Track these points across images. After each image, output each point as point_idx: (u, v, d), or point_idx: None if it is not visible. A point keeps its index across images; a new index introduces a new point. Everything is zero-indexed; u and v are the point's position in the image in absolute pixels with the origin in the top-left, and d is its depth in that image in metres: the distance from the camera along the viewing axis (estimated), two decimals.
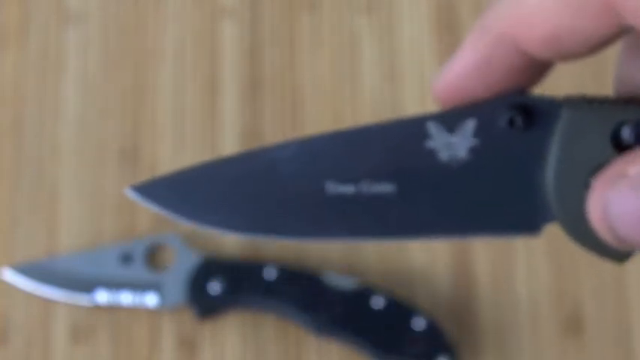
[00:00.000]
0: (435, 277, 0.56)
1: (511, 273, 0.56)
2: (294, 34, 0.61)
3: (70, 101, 0.60)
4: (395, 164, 0.28)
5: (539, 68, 0.27)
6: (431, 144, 0.27)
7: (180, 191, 0.29)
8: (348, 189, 0.28)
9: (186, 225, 0.29)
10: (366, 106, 0.59)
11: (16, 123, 0.59)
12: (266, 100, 0.60)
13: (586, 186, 0.26)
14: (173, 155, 0.59)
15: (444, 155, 0.27)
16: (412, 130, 0.28)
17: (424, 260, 0.56)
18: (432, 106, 0.60)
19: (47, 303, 0.56)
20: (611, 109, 0.26)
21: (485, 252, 0.56)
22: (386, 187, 0.28)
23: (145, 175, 0.58)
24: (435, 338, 0.53)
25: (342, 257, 0.56)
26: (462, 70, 0.27)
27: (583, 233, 0.26)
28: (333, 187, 0.28)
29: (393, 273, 0.56)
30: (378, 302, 0.54)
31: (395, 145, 0.28)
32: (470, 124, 0.27)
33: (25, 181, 0.58)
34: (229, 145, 0.59)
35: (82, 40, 0.61)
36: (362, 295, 0.54)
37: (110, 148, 0.59)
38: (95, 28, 0.61)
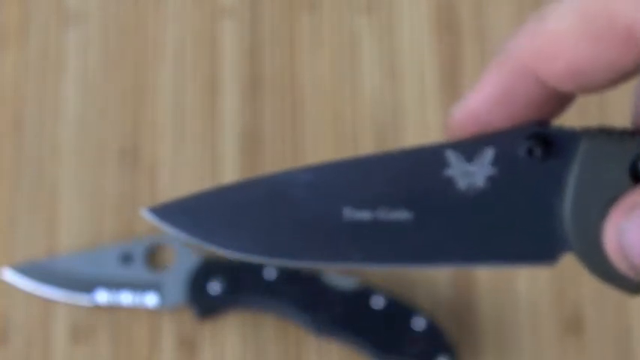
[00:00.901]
0: (435, 277, 0.56)
1: (511, 273, 0.56)
2: (294, 34, 0.61)
3: (70, 101, 0.60)
4: (412, 192, 0.28)
5: (561, 100, 0.27)
6: (449, 172, 0.28)
7: (196, 214, 0.29)
8: (365, 215, 0.28)
9: (204, 248, 0.29)
10: (366, 106, 0.59)
11: (16, 123, 0.59)
12: (266, 100, 0.60)
13: (603, 217, 0.26)
14: (173, 155, 0.59)
15: (462, 184, 0.27)
16: (431, 158, 0.28)
17: None
18: (431, 106, 0.60)
19: (47, 303, 0.56)
20: (629, 141, 0.26)
21: None
22: (403, 214, 0.28)
23: (144, 175, 0.58)
24: (435, 338, 0.53)
25: None
26: (482, 102, 0.27)
27: (599, 264, 0.26)
28: (350, 213, 0.28)
29: (393, 273, 0.56)
30: (378, 302, 0.54)
31: (413, 173, 0.28)
32: (489, 153, 0.27)
33: (25, 181, 0.58)
34: (229, 145, 0.59)
35: (82, 40, 0.61)
36: (362, 295, 0.54)
37: (110, 148, 0.59)
38: (95, 28, 0.61)
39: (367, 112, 0.59)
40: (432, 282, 0.56)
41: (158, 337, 0.56)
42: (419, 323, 0.53)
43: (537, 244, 0.27)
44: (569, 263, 0.59)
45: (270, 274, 0.55)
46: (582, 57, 0.25)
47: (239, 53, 0.61)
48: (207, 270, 0.56)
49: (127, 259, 0.56)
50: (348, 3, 0.61)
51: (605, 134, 0.26)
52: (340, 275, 0.55)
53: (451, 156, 0.28)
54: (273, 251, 0.29)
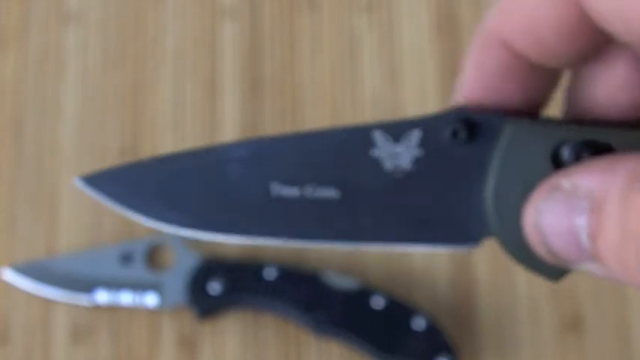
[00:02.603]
0: (435, 277, 0.56)
1: (511, 273, 0.56)
2: (294, 34, 0.61)
3: (70, 101, 0.60)
4: (340, 170, 0.28)
5: (541, 76, 0.27)
6: (376, 152, 0.28)
7: (127, 184, 0.29)
8: (293, 192, 0.28)
9: (131, 219, 0.29)
10: (366, 106, 0.59)
11: (16, 123, 0.59)
12: (266, 99, 0.60)
13: (523, 202, 0.26)
14: None
15: (388, 164, 0.28)
16: (358, 137, 0.28)
17: (424, 260, 0.56)
18: (431, 106, 0.60)
19: (47, 303, 0.56)
20: (552, 128, 0.26)
21: (485, 252, 0.56)
22: (330, 193, 0.28)
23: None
24: (435, 338, 0.53)
25: (342, 257, 0.56)
26: (468, 82, 0.27)
27: (518, 249, 0.27)
28: (278, 189, 0.28)
29: (393, 273, 0.56)
30: (378, 302, 0.54)
31: (341, 152, 0.28)
32: (415, 135, 0.27)
33: (25, 181, 0.58)
34: None
35: (82, 40, 0.61)
36: (362, 295, 0.54)
37: (110, 148, 0.59)
38: (95, 28, 0.61)
39: (367, 111, 0.59)
40: (432, 282, 0.56)
41: (158, 337, 0.56)
42: (419, 323, 0.53)
43: (460, 228, 0.28)
44: None
45: (270, 274, 0.55)
46: (537, 15, 0.25)
47: (239, 53, 0.61)
48: (207, 270, 0.56)
49: (127, 259, 0.56)
50: (348, 3, 0.61)
51: (529, 121, 0.27)
52: (340, 275, 0.55)
53: (378, 136, 0.28)
54: (202, 224, 0.29)
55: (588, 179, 0.24)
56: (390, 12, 0.61)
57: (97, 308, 0.56)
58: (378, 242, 0.28)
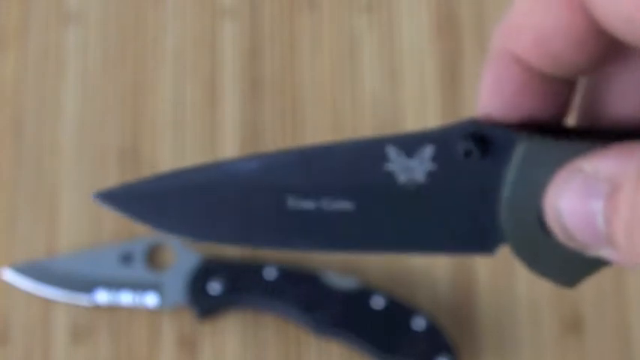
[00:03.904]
0: (435, 277, 0.56)
1: (511, 273, 0.56)
2: (294, 34, 0.61)
3: (70, 101, 0.60)
4: (354, 184, 0.28)
5: (557, 87, 0.27)
6: (389, 167, 0.28)
7: (145, 199, 0.30)
8: (309, 205, 0.29)
9: (153, 231, 0.30)
10: (366, 106, 0.59)
11: (16, 123, 0.59)
12: (266, 99, 0.60)
13: (537, 213, 0.26)
14: (173, 155, 0.59)
15: (402, 178, 0.28)
16: (372, 152, 0.28)
17: (424, 260, 0.56)
18: (431, 106, 0.60)
19: (47, 303, 0.56)
20: (566, 142, 0.26)
21: None
22: (345, 205, 0.28)
23: (144, 175, 0.58)
24: (435, 338, 0.53)
25: (342, 257, 0.56)
26: (485, 102, 0.27)
27: (533, 257, 0.27)
28: (295, 203, 0.29)
29: (393, 273, 0.56)
30: (378, 302, 0.54)
31: (355, 166, 0.28)
32: (428, 150, 0.28)
33: (25, 181, 0.58)
34: (229, 144, 0.59)
35: (82, 40, 0.61)
36: (362, 295, 0.54)
37: (110, 148, 0.59)
38: (95, 28, 0.61)
39: (367, 112, 0.59)
40: (432, 282, 0.56)
41: (158, 337, 0.56)
42: (419, 323, 0.53)
43: (475, 237, 0.28)
44: None
45: (270, 274, 0.55)
46: (546, 25, 0.25)
47: (239, 53, 0.61)
48: (207, 270, 0.56)
49: (127, 259, 0.56)
50: (348, 3, 0.61)
51: (541, 135, 0.27)
52: (340, 275, 0.55)
53: (391, 151, 0.28)
54: (222, 235, 0.29)
55: (608, 163, 0.24)
56: (390, 12, 0.61)
57: (97, 308, 0.56)
58: (395, 250, 0.29)
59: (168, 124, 0.59)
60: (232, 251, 0.57)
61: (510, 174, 0.27)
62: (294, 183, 0.29)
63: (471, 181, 0.27)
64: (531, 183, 0.26)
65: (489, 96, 0.27)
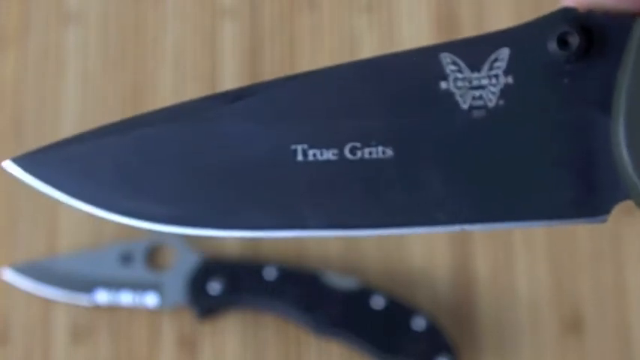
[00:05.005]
0: (435, 277, 0.56)
1: (511, 273, 0.56)
2: (294, 34, 0.61)
3: (70, 101, 0.60)
4: (394, 119, 0.19)
5: None
6: (446, 85, 0.20)
7: (80, 165, 0.21)
8: (328, 155, 0.19)
9: (88, 213, 0.21)
10: None
11: (16, 123, 0.59)
12: None
13: None
14: None
15: (464, 102, 0.19)
16: (421, 65, 0.20)
17: (424, 260, 0.56)
18: None
19: (47, 303, 0.56)
20: None
21: (485, 251, 0.56)
22: (380, 152, 0.19)
23: None
24: (435, 338, 0.53)
25: (342, 257, 0.56)
26: None
27: None
28: (306, 153, 0.20)
29: (393, 273, 0.56)
30: (378, 302, 0.54)
31: (394, 89, 0.20)
32: (502, 56, 0.19)
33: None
34: None
35: (82, 40, 0.61)
36: (362, 295, 0.54)
37: None
38: (95, 28, 0.61)
39: None
40: (431, 282, 0.56)
41: (158, 337, 0.55)
42: (419, 323, 0.53)
43: (578, 191, 0.19)
44: (569, 263, 0.59)
45: (270, 274, 0.55)
46: None
47: (239, 53, 0.61)
48: (207, 270, 0.55)
49: (127, 259, 0.56)
50: (348, 3, 0.61)
51: None
52: (340, 275, 0.55)
53: (448, 62, 0.20)
54: (193, 216, 0.20)
55: None
56: (390, 12, 0.61)
57: (97, 308, 0.56)
58: (456, 221, 0.19)
59: None
60: (232, 251, 0.57)
61: (627, 77, 0.18)
62: (305, 124, 0.19)
63: (567, 97, 0.18)
64: None
65: None
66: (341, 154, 0.19)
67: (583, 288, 0.56)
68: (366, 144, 0.19)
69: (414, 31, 0.61)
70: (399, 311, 0.54)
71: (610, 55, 0.18)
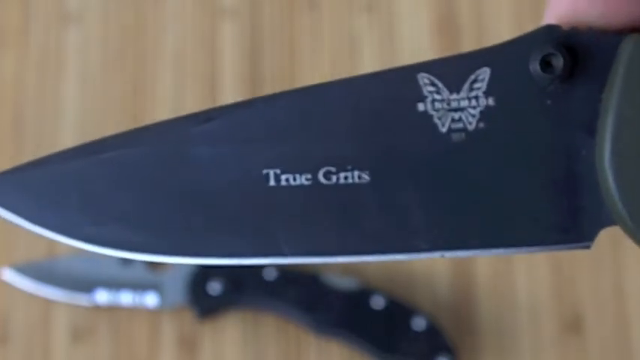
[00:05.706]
0: (435, 277, 0.56)
1: (511, 273, 0.56)
2: (294, 34, 0.61)
3: (70, 101, 0.60)
4: (370, 142, 0.18)
5: None
6: (424, 107, 0.18)
7: (42, 190, 0.21)
8: (301, 180, 0.19)
9: (50, 240, 0.20)
10: None
11: (16, 123, 0.59)
12: None
13: None
14: None
15: (442, 124, 0.18)
16: (398, 86, 0.18)
17: (424, 261, 0.56)
18: None
19: (47, 303, 0.56)
20: None
21: None
22: (357, 178, 0.18)
23: None
24: (435, 338, 0.53)
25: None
26: (566, 2, 0.18)
27: None
28: (279, 177, 0.19)
29: (393, 273, 0.56)
30: (378, 302, 0.54)
31: (370, 111, 0.18)
32: (483, 76, 0.18)
33: None
34: None
35: (82, 40, 0.61)
36: (362, 295, 0.54)
37: None
38: (95, 28, 0.61)
39: None
40: (431, 282, 0.56)
41: (158, 337, 0.56)
42: (419, 323, 0.53)
43: (561, 217, 0.18)
44: (568, 263, 0.59)
45: (270, 274, 0.55)
46: None
47: (239, 53, 0.61)
48: (207, 270, 0.55)
49: (127, 259, 0.56)
50: (348, 3, 0.61)
51: None
52: (340, 275, 0.55)
53: (426, 82, 0.18)
54: (160, 243, 0.19)
55: None
56: (390, 12, 0.61)
57: (97, 308, 0.56)
58: (435, 248, 0.18)
59: None
60: None
61: (614, 98, 0.17)
62: (277, 148, 0.18)
63: (550, 120, 0.17)
64: None
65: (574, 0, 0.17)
66: (315, 178, 0.19)
67: (583, 288, 0.56)
68: (341, 168, 0.19)
69: (414, 31, 0.61)
70: (398, 311, 0.54)
71: (595, 75, 0.17)
